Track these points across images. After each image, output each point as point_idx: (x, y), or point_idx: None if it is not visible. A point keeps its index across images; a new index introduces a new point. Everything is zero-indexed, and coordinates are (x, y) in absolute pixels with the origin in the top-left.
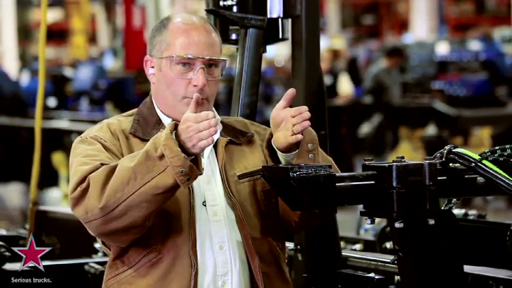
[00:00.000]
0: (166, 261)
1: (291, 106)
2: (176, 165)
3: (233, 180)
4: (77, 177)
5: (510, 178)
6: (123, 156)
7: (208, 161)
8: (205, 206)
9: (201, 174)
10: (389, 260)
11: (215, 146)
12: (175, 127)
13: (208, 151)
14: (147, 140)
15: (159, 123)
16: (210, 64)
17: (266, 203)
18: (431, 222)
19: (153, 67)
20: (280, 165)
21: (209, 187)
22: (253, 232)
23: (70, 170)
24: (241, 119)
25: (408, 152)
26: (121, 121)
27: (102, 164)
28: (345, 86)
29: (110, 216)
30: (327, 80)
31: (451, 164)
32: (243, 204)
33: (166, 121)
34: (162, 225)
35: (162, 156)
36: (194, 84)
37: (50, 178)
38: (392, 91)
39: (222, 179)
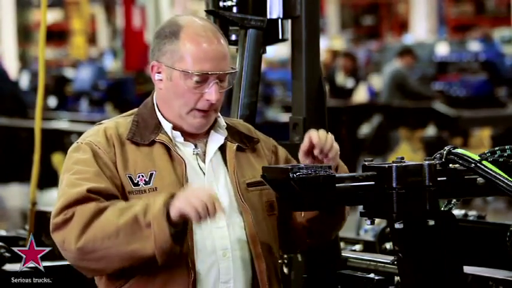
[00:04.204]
0: (163, 271)
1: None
2: (159, 240)
3: (243, 188)
4: (63, 200)
5: (510, 179)
6: (115, 166)
7: (211, 166)
8: None
9: (181, 250)
10: (389, 261)
11: (222, 151)
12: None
13: (211, 155)
14: (145, 145)
15: (158, 128)
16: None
17: (269, 214)
18: (431, 222)
19: (159, 72)
20: (281, 166)
21: None
22: (261, 240)
23: (60, 184)
24: (244, 123)
25: (408, 153)
26: (119, 123)
27: (88, 191)
28: (361, 93)
29: (84, 257)
30: (349, 83)
31: (450, 165)
32: (252, 211)
33: (166, 125)
34: None
35: (148, 225)
36: (207, 98)
37: (49, 179)
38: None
39: (233, 185)
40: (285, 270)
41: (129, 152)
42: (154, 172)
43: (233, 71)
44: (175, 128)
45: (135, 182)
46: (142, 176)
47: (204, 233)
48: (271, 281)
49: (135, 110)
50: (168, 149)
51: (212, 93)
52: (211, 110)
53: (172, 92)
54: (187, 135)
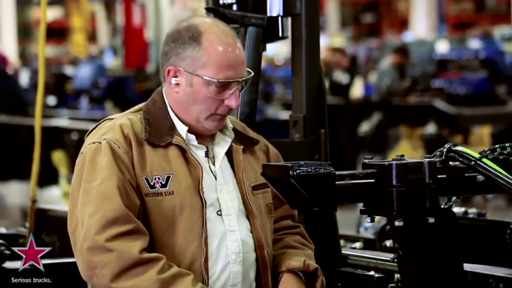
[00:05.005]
0: None
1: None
2: None
3: (250, 191)
4: (100, 216)
5: (510, 176)
6: (133, 166)
7: (220, 170)
8: (220, 215)
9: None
10: (389, 258)
11: (229, 154)
12: None
13: (220, 159)
14: (161, 146)
15: (172, 129)
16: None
17: (269, 217)
18: (431, 220)
19: (176, 76)
20: (281, 164)
21: (222, 196)
22: (266, 243)
23: (84, 192)
24: (237, 121)
25: (408, 151)
26: (132, 121)
27: (125, 205)
28: (357, 89)
29: None
30: (344, 78)
31: (450, 163)
32: (258, 215)
33: (182, 128)
34: (173, 241)
35: None
36: (228, 104)
37: (49, 176)
38: (395, 88)
39: (241, 189)
40: None
41: (146, 153)
42: (171, 175)
43: (251, 75)
44: (190, 130)
45: (152, 184)
46: (159, 179)
47: (218, 236)
48: (275, 284)
49: (142, 106)
50: (182, 152)
51: (233, 99)
52: (228, 114)
53: (192, 98)
54: (198, 136)
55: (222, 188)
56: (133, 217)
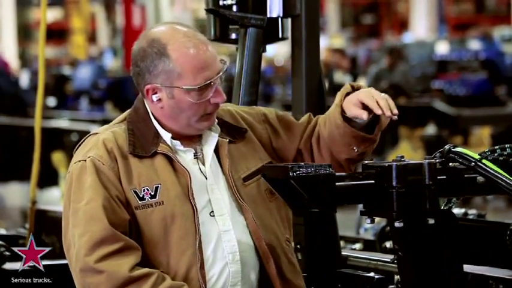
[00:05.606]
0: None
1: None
2: None
3: (240, 184)
4: (88, 238)
5: (510, 177)
6: (119, 181)
7: (211, 169)
8: (213, 216)
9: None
10: (389, 260)
11: (216, 151)
12: None
13: (209, 159)
14: (147, 157)
15: (157, 137)
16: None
17: (272, 200)
18: (431, 221)
19: (156, 93)
20: (280, 165)
21: (214, 196)
22: (265, 234)
23: (73, 213)
24: (227, 109)
25: (408, 152)
26: (116, 134)
27: (111, 224)
28: None
29: None
30: (347, 80)
31: (450, 164)
32: (252, 206)
33: (165, 135)
34: (168, 251)
35: None
36: (215, 102)
37: (49, 177)
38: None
39: (229, 185)
40: None
41: (132, 165)
42: (159, 185)
43: (227, 65)
44: (174, 136)
45: (141, 196)
46: (148, 190)
47: (213, 240)
48: (284, 272)
49: (126, 115)
50: (169, 159)
51: (217, 96)
52: (217, 109)
53: (178, 108)
54: (185, 139)
55: (213, 188)
56: (121, 235)
